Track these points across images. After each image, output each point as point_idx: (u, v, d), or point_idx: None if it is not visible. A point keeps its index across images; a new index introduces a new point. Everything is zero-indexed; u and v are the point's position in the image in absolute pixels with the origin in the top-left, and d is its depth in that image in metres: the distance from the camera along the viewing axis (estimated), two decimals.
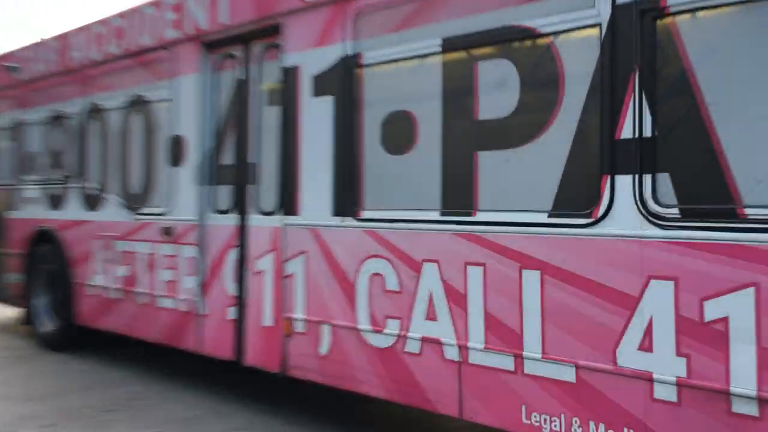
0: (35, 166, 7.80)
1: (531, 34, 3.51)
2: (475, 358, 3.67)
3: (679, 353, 2.94)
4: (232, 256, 5.21)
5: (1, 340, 7.98)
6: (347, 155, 4.37)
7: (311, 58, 4.61)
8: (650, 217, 3.05)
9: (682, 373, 2.93)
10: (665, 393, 2.98)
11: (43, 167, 7.66)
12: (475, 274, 3.67)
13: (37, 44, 7.89)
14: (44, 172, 7.60)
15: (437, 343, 3.84)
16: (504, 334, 3.55)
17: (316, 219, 4.54)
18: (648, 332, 3.04)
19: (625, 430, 3.10)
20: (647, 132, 3.07)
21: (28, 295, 7.69)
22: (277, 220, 4.83)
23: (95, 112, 6.82)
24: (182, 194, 5.65)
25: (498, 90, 3.65)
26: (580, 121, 3.31)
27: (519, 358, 3.49)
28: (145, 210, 6.07)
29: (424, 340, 3.90)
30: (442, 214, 3.87)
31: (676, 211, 2.99)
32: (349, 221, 4.34)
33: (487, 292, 3.62)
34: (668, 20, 3.04)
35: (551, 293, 3.36)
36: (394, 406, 4.71)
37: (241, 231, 5.16)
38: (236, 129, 5.32)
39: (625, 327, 3.11)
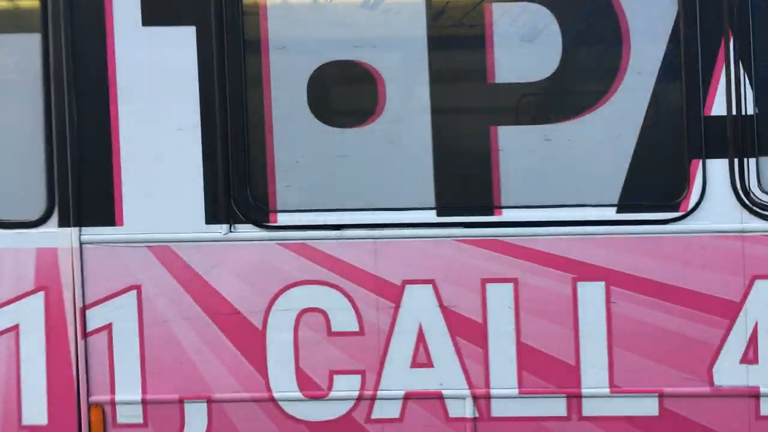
0: None
1: None
2: (502, 409, 2.71)
3: None
4: None
5: None
6: (235, 126, 2.72)
7: None
8: (754, 208, 2.65)
9: None
10: None
11: None
12: (499, 294, 2.70)
13: None
14: None
15: (435, 397, 2.71)
16: (550, 369, 2.71)
17: (164, 230, 2.75)
18: (753, 341, 2.67)
19: None
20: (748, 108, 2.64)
21: None
22: (59, 235, 2.76)
23: None
24: None
25: (526, 44, 2.71)
26: (654, 91, 2.68)
27: (574, 399, 2.71)
28: None
29: (410, 397, 2.72)
30: (440, 214, 2.73)
31: None
32: (248, 231, 2.73)
33: (520, 316, 2.70)
34: None
35: (621, 308, 2.69)
36: None
37: None
38: None
39: (724, 339, 2.67)
